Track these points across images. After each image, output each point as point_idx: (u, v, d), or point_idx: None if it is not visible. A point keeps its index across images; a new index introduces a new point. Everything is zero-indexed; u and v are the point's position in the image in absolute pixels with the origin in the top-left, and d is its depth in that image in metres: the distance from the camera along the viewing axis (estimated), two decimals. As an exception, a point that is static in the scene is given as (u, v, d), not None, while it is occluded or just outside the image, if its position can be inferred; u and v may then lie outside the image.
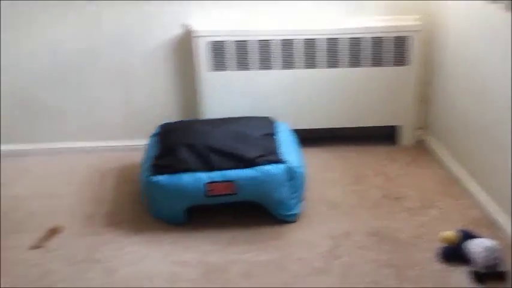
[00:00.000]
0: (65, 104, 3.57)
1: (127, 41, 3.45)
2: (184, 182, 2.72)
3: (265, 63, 3.37)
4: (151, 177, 2.76)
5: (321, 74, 3.41)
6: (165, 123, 3.25)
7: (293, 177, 2.81)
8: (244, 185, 2.75)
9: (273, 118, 3.26)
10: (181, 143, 2.89)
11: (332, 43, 3.34)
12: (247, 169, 2.75)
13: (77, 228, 2.81)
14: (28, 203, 3.05)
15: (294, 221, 2.83)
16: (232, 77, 3.39)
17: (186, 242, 2.71)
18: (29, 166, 3.44)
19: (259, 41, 3.32)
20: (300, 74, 3.40)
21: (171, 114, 3.56)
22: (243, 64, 3.36)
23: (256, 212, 2.90)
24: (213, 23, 3.37)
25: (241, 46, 3.32)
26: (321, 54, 3.36)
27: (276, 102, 3.47)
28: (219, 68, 3.36)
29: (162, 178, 2.74)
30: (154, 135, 3.16)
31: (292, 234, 2.75)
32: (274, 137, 3.04)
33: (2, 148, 3.56)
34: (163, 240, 2.72)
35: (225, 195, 2.76)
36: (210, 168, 2.76)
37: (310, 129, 3.57)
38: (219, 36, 3.30)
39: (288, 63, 3.38)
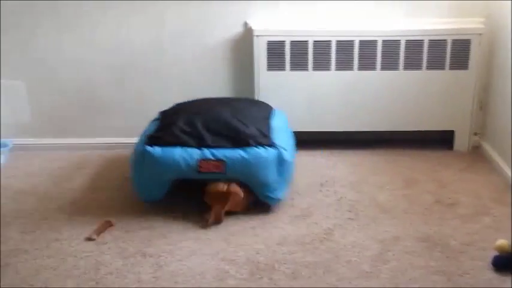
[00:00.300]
0: (124, 100, 3.66)
1: (189, 39, 3.53)
2: (177, 155, 2.81)
3: (323, 64, 3.37)
4: (145, 146, 2.84)
5: (378, 76, 3.38)
6: (165, 109, 3.28)
7: (281, 162, 2.86)
8: (234, 165, 2.81)
9: (268, 105, 3.31)
10: (178, 120, 2.98)
11: (390, 45, 3.31)
12: (238, 149, 2.82)
13: (130, 222, 2.87)
14: (84, 195, 3.14)
15: (276, 204, 2.92)
16: (290, 77, 3.40)
17: (236, 240, 2.73)
18: (86, 160, 3.53)
19: (317, 41, 3.31)
20: (356, 76, 3.39)
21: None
22: (300, 64, 3.37)
23: (306, 214, 2.91)
24: (272, 23, 3.39)
25: (299, 46, 3.33)
26: (379, 56, 3.33)
27: (331, 103, 3.46)
28: (276, 67, 3.38)
29: (156, 149, 2.82)
30: (156, 119, 3.21)
31: (340, 236, 2.73)
32: (270, 120, 3.10)
33: (61, 141, 3.67)
34: (213, 238, 2.74)
35: (215, 173, 2.82)
36: (203, 145, 2.84)
37: (362, 132, 3.54)
38: (278, 36, 3.32)
39: (344, 65, 3.36)
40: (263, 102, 3.32)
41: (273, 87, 3.42)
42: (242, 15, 3.45)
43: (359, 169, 3.35)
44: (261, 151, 2.83)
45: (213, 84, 3.62)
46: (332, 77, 3.39)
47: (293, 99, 3.46)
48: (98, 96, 3.67)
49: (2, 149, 3.59)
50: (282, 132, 3.07)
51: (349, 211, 2.94)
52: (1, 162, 3.48)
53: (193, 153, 2.81)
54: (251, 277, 2.47)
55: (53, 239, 2.72)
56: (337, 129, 3.55)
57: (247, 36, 3.43)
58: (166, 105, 3.53)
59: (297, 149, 3.28)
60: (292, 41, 3.31)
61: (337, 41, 3.30)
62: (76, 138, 3.70)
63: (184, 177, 2.88)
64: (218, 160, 2.81)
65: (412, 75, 3.38)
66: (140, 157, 2.86)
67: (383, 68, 3.35)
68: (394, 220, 2.85)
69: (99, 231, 2.78)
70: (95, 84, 3.64)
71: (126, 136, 3.55)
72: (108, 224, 2.83)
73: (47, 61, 3.57)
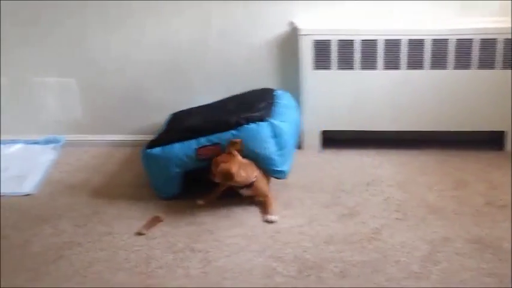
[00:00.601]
0: (170, 99, 3.70)
1: (234, 39, 3.54)
2: (176, 150, 2.94)
3: (370, 63, 3.33)
4: (146, 150, 3.02)
5: (426, 76, 3.33)
6: (176, 112, 3.48)
7: (277, 134, 2.92)
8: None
9: (272, 89, 3.40)
10: (180, 121, 3.25)
11: (439, 44, 3.26)
12: (231, 130, 2.90)
13: (178, 218, 2.91)
14: (133, 190, 3.19)
15: (284, 178, 3.01)
16: (336, 76, 3.38)
17: (283, 238, 2.74)
18: (134, 157, 3.59)
19: (364, 40, 3.29)
20: (404, 75, 3.34)
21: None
22: (346, 63, 3.34)
23: (353, 213, 2.90)
24: (318, 22, 3.38)
25: (346, 45, 3.30)
26: (427, 55, 3.29)
27: (378, 102, 3.43)
28: (322, 66, 3.37)
29: (155, 150, 2.99)
30: (165, 123, 3.41)
31: (389, 236, 2.71)
32: (273, 106, 3.15)
33: (110, 138, 3.74)
34: (260, 235, 2.76)
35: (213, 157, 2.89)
36: (199, 135, 2.93)
37: (409, 131, 3.51)
38: (324, 35, 3.30)
39: (392, 64, 3.33)
40: (268, 88, 3.42)
41: (319, 86, 3.42)
42: (287, 14, 3.44)
43: (406, 169, 3.31)
44: (252, 126, 2.91)
45: (258, 84, 3.63)
46: (379, 76, 3.36)
47: (339, 98, 3.44)
48: (145, 95, 3.72)
49: (54, 144, 3.69)
50: (285, 109, 3.17)
51: (397, 211, 2.91)
52: (54, 157, 3.57)
53: (191, 144, 2.93)
54: (299, 275, 2.48)
55: (105, 233, 2.78)
56: (384, 129, 3.51)
57: (292, 36, 3.43)
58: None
59: (341, 148, 3.45)
60: (338, 40, 3.29)
61: (385, 40, 3.27)
62: (125, 135, 3.76)
63: (189, 169, 2.96)
64: (214, 144, 2.91)
65: (462, 74, 3.32)
66: (145, 160, 3.06)
67: (431, 67, 3.31)
68: (444, 221, 2.81)
69: (149, 226, 2.83)
70: (142, 83, 3.69)
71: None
72: (157, 220, 2.88)
73: (96, 60, 3.65)
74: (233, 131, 2.91)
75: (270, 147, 2.93)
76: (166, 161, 2.96)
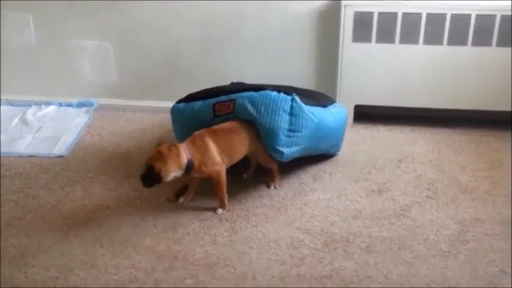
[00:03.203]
0: (207, 68, 3.68)
1: (273, 9, 3.49)
2: (197, 107, 2.90)
3: (411, 37, 3.25)
4: (174, 104, 3.02)
5: (468, 52, 3.24)
6: (239, 82, 3.31)
7: (296, 114, 2.77)
8: (242, 103, 2.78)
9: (332, 99, 3.24)
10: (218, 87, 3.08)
11: (484, 20, 3.15)
12: (251, 92, 2.81)
13: (207, 187, 2.90)
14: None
15: (280, 161, 2.82)
16: (375, 49, 3.30)
17: (311, 210, 2.73)
18: (166, 123, 3.59)
19: (406, 13, 3.20)
20: (445, 51, 3.25)
21: (308, 82, 3.58)
22: (387, 37, 3.26)
23: (382, 189, 2.87)
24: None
25: (388, 18, 3.22)
26: (471, 31, 3.18)
27: (416, 78, 3.36)
28: (362, 39, 3.29)
29: (180, 105, 2.99)
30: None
31: (418, 214, 2.68)
32: (320, 105, 3.00)
33: (144, 104, 3.75)
34: (288, 206, 2.76)
35: (227, 114, 2.81)
36: (221, 94, 2.87)
37: (446, 109, 3.43)
38: (367, 6, 3.22)
39: (434, 39, 3.23)
40: (330, 97, 3.25)
41: (357, 59, 3.35)
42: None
43: (440, 147, 3.26)
44: (272, 93, 2.77)
45: (296, 55, 3.59)
46: (419, 51, 3.28)
47: (376, 72, 3.38)
48: (181, 62, 3.71)
49: (88, 108, 3.72)
50: (328, 113, 2.99)
51: (428, 189, 2.87)
52: (87, 120, 3.60)
53: (211, 101, 2.88)
54: (325, 248, 2.47)
55: (134, 197, 2.81)
56: (421, 106, 3.44)
57: (334, 6, 3.37)
58: (249, 74, 3.56)
59: (373, 123, 3.37)
60: (380, 12, 3.21)
61: (428, 13, 3.18)
62: (158, 101, 3.76)
63: (208, 125, 2.85)
64: (229, 100, 2.83)
65: (506, 52, 3.22)
66: (171, 114, 3.04)
67: (474, 43, 3.20)
68: (475, 201, 2.77)
69: (178, 194, 2.84)
70: (179, 51, 3.68)
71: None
72: (187, 187, 2.89)
73: (133, 25, 3.64)
74: (253, 92, 2.80)
75: (280, 122, 2.75)
76: (188, 116, 2.92)
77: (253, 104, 2.76)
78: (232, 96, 2.83)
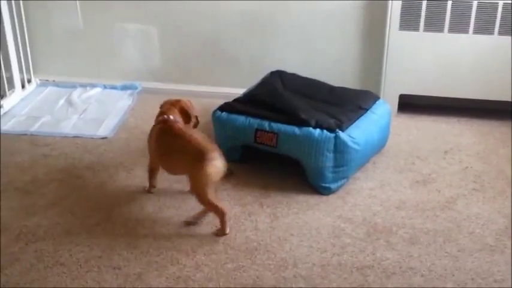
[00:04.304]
0: (247, 54, 3.68)
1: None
2: (239, 122, 2.88)
3: (460, 26, 3.18)
4: (215, 111, 2.98)
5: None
6: (278, 71, 3.28)
7: (341, 150, 2.68)
8: (284, 140, 2.74)
9: (377, 96, 3.12)
10: (263, 94, 3.06)
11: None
12: (293, 126, 2.74)
13: (248, 172, 2.90)
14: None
15: (327, 195, 2.72)
16: (423, 38, 3.25)
17: (353, 199, 2.70)
18: (208, 107, 3.59)
19: (456, 1, 3.12)
20: (496, 41, 3.18)
21: (353, 71, 3.53)
22: (435, 25, 3.20)
23: (427, 180, 2.82)
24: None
25: (437, 5, 3.15)
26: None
27: (464, 68, 3.29)
28: (410, 27, 3.23)
29: (223, 114, 2.94)
30: (266, 77, 3.28)
31: (464, 207, 2.62)
32: (362, 115, 2.90)
33: (185, 88, 3.75)
34: (332, 195, 2.73)
35: (269, 145, 2.79)
36: (265, 117, 2.83)
37: (493, 101, 3.35)
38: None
39: (484, 29, 3.15)
40: (372, 94, 3.13)
41: (404, 47, 3.29)
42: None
43: (488, 139, 3.18)
44: (315, 132, 2.69)
45: (338, 43, 3.55)
46: (469, 41, 3.20)
47: (423, 62, 3.32)
48: (222, 49, 3.71)
49: (132, 91, 3.76)
50: (372, 123, 2.89)
51: (475, 182, 2.81)
52: (130, 103, 3.63)
53: (253, 123, 2.84)
54: (367, 237, 2.44)
55: (176, 180, 2.80)
56: (468, 96, 3.37)
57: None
58: (288, 61, 3.54)
59: (418, 113, 3.30)
60: (429, 0, 3.14)
61: (479, 2, 3.10)
62: (199, 85, 3.77)
63: (247, 144, 2.90)
64: (272, 132, 2.79)
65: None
66: (213, 120, 3.02)
67: (526, 33, 3.12)
68: (525, 195, 2.70)
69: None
70: (220, 37, 3.69)
71: (246, 86, 3.58)
72: (228, 172, 2.88)
73: (177, 10, 3.65)
74: (296, 128, 2.73)
75: (325, 162, 2.69)
76: (229, 129, 2.92)
77: (296, 143, 2.73)
78: (275, 127, 2.79)
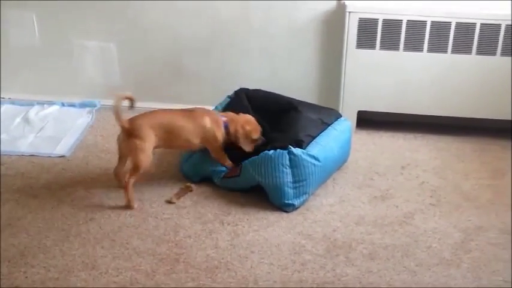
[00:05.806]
0: (209, 70, 3.68)
1: (277, 13, 3.48)
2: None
3: (415, 45, 3.24)
4: None
5: (473, 61, 3.23)
6: (242, 89, 3.30)
7: (297, 164, 2.72)
8: (247, 167, 2.81)
9: (339, 113, 3.18)
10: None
11: (489, 29, 3.14)
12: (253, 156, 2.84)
13: (209, 189, 2.90)
14: (166, 159, 3.17)
15: (289, 212, 2.74)
16: (379, 56, 3.30)
17: (313, 216, 2.71)
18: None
19: (411, 21, 3.19)
20: (449, 59, 3.25)
21: (312, 87, 3.58)
22: (391, 44, 3.25)
23: (385, 196, 2.86)
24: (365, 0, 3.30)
25: (392, 25, 3.21)
26: (475, 40, 3.18)
27: (420, 85, 3.35)
28: (366, 45, 3.29)
29: None
30: (229, 96, 3.31)
31: (421, 221, 2.67)
32: (324, 126, 2.99)
33: (146, 105, 3.71)
34: (292, 211, 2.74)
35: (234, 177, 2.85)
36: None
37: (449, 117, 3.43)
38: (371, 13, 3.21)
39: (438, 47, 3.23)
40: (336, 112, 3.19)
41: (361, 65, 3.34)
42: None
43: (443, 155, 3.25)
44: (269, 152, 2.76)
45: (299, 60, 3.58)
46: (424, 59, 3.27)
47: (380, 79, 3.37)
48: (184, 64, 3.70)
49: (90, 108, 3.71)
50: (331, 139, 2.94)
51: (431, 196, 2.86)
52: (89, 121, 3.59)
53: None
54: (327, 254, 2.46)
55: (135, 199, 2.78)
56: (424, 113, 3.43)
57: (338, 13, 3.36)
58: (250, 77, 3.55)
59: (376, 129, 3.34)
60: (385, 20, 3.21)
61: (432, 21, 3.18)
62: (160, 103, 3.73)
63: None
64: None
65: (510, 62, 3.21)
66: None
67: (479, 52, 3.20)
68: (479, 210, 2.76)
69: (179, 195, 2.83)
70: (181, 53, 3.67)
71: (208, 104, 3.57)
72: (188, 189, 2.88)
73: (137, 27, 3.63)
74: (254, 157, 2.82)
75: (282, 177, 2.72)
76: (198, 155, 3.00)
77: (254, 167, 2.78)
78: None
